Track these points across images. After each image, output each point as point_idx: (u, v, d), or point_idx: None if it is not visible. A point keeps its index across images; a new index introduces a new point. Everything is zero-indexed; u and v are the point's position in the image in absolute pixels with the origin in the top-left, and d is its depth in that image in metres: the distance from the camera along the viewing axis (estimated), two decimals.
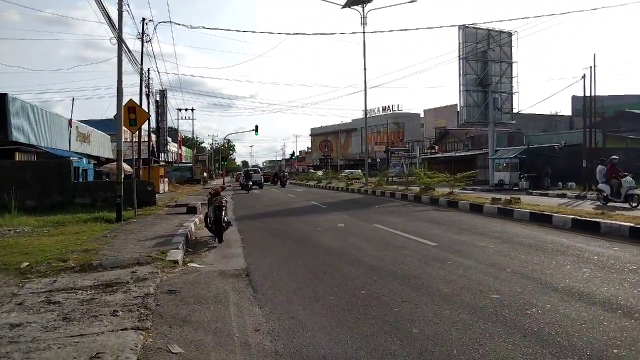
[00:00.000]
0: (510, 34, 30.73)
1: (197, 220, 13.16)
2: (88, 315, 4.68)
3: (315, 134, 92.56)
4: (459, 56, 29.53)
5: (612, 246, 8.26)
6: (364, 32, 30.92)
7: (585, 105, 25.46)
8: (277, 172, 50.41)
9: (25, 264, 7.15)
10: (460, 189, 22.65)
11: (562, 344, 3.92)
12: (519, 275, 6.34)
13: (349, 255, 8.24)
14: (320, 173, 55.63)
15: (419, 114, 73.20)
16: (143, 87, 25.51)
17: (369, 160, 42.11)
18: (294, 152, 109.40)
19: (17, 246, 8.76)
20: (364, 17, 30.53)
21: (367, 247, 9.06)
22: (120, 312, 4.73)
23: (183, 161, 68.29)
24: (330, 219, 14.10)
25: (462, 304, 5.14)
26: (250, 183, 30.47)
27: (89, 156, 27.75)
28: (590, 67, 24.98)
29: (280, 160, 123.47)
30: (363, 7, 30.62)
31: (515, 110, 31.97)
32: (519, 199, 15.69)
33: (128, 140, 25.86)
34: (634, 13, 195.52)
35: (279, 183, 42.67)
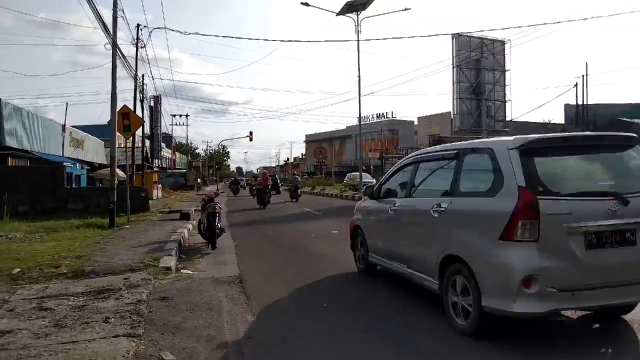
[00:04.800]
0: (503, 43, 31.02)
1: (190, 226, 13.12)
2: (80, 322, 4.65)
3: (310, 140, 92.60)
4: (453, 64, 29.76)
5: None
6: (358, 40, 30.96)
7: (578, 114, 25.72)
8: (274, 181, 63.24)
9: (17, 270, 7.10)
10: None
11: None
12: None
13: (341, 262, 8.24)
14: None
15: (413, 121, 73.38)
16: (137, 93, 25.54)
17: (364, 167, 42.21)
18: (288, 159, 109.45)
19: (8, 252, 8.70)
20: (358, 25, 30.60)
21: None
22: (112, 319, 4.71)
23: (177, 167, 68.10)
24: (323, 226, 14.10)
25: None
26: (236, 187, 42.49)
27: (82, 162, 27.64)
28: (583, 75, 25.34)
29: (274, 167, 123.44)
30: (357, 14, 30.74)
31: (508, 118, 32.21)
32: None
33: (122, 146, 25.77)
34: (626, 23, 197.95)
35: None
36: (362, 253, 7.16)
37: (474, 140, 5.60)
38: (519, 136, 4.49)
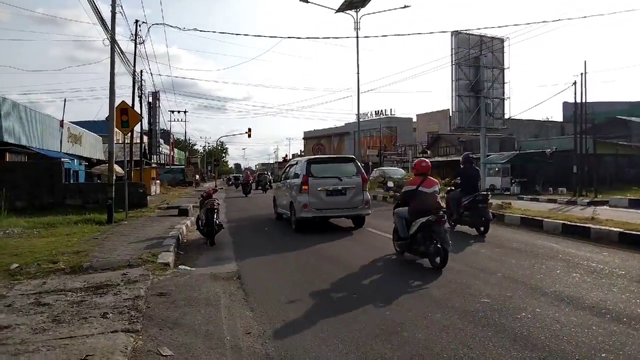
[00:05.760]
0: (502, 40, 30.92)
1: (188, 222, 13.11)
2: (78, 317, 4.65)
3: (308, 137, 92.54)
4: (452, 62, 29.65)
5: (602, 251, 8.33)
6: (357, 37, 31.00)
7: (576, 112, 25.69)
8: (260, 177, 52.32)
9: (15, 265, 7.09)
10: None
11: (551, 348, 3.96)
12: (510, 279, 6.39)
13: (340, 258, 8.25)
14: None
15: (412, 119, 73.41)
16: (135, 89, 25.44)
17: (362, 165, 42.12)
18: (286, 155, 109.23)
19: (6, 247, 8.69)
20: (357, 22, 30.65)
21: (359, 251, 9.07)
22: (111, 315, 4.71)
23: (175, 163, 68.04)
24: (321, 222, 14.06)
25: (452, 307, 5.16)
26: (237, 181, 47.52)
27: (80, 157, 27.58)
28: (581, 73, 25.24)
29: (272, 164, 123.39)
30: (356, 11, 30.73)
31: (507, 116, 32.11)
32: (510, 203, 15.78)
33: (120, 141, 25.75)
34: (625, 22, 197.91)
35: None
36: (275, 209, 15.06)
37: (300, 158, 14.56)
38: (308, 157, 14.12)
